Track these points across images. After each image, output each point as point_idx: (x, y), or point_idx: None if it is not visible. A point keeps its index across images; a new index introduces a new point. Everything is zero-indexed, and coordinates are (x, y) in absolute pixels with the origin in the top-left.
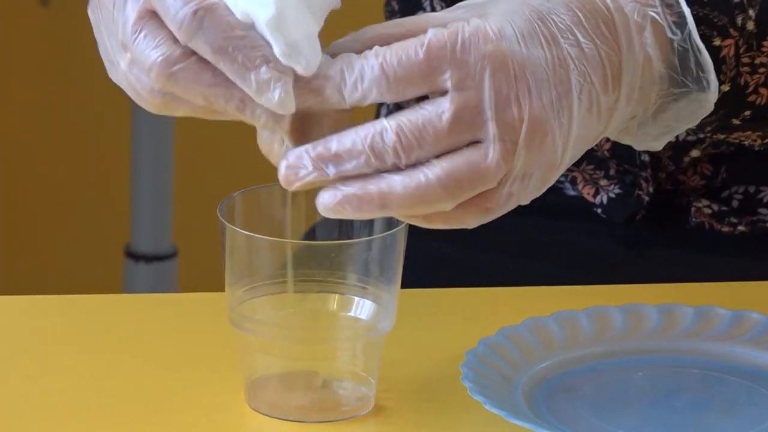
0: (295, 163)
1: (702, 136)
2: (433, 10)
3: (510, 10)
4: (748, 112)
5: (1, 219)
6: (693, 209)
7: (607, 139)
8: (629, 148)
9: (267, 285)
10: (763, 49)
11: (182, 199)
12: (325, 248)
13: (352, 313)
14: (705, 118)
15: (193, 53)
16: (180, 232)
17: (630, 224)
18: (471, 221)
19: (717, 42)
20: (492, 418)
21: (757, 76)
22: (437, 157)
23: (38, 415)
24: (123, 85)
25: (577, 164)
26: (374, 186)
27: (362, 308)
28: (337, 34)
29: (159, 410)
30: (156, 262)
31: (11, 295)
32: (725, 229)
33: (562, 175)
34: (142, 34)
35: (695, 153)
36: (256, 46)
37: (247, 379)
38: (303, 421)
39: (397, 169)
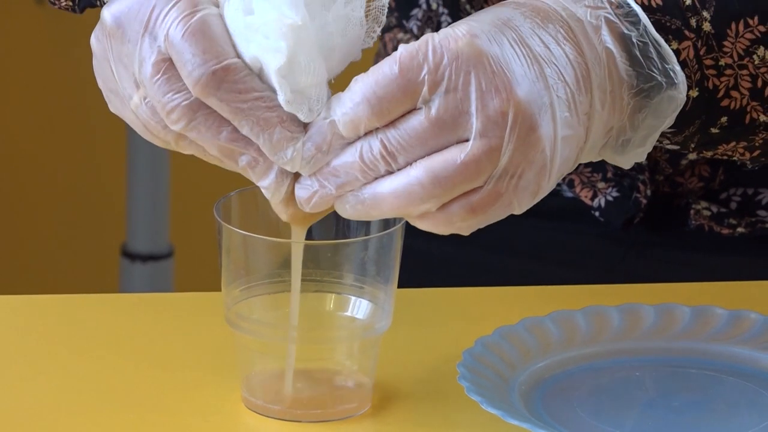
0: (303, 184)
1: (691, 154)
2: (429, 6)
3: (474, 19)
4: (724, 119)
5: None
6: (692, 211)
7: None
8: None
9: (263, 284)
10: (725, 50)
11: (178, 199)
12: (321, 248)
13: (348, 313)
14: (684, 129)
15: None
16: (176, 231)
17: (628, 228)
18: (458, 222)
19: (674, 45)
20: (488, 418)
21: (725, 78)
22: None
23: (34, 415)
24: (126, 117)
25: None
26: (367, 189)
27: (359, 308)
28: None
29: (154, 410)
30: (152, 261)
31: (7, 294)
32: (725, 231)
33: None
34: (165, 77)
35: (692, 156)
36: (272, 107)
37: (244, 379)
38: (299, 421)
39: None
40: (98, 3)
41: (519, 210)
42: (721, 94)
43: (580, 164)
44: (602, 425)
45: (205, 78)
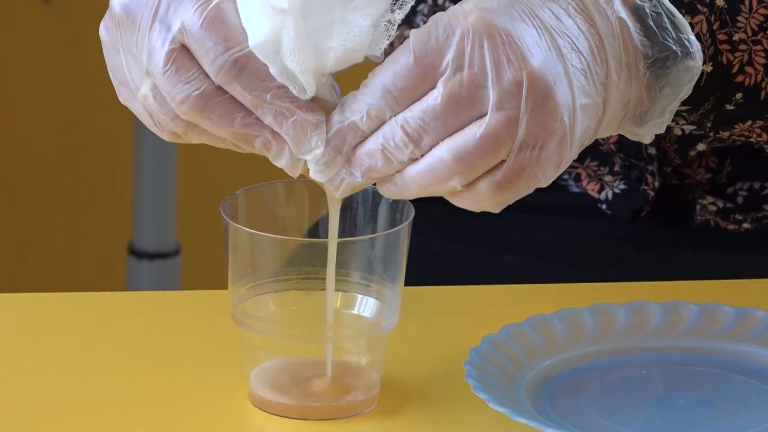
0: (333, 176)
1: (707, 134)
2: (435, 2)
3: None
4: (739, 95)
5: (3, 217)
6: (698, 206)
7: None
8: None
9: (270, 282)
10: (739, 25)
11: (185, 197)
12: (328, 246)
13: (355, 311)
14: (699, 106)
15: (224, 91)
16: (183, 229)
17: (635, 221)
18: (485, 200)
19: (687, 19)
20: (495, 416)
21: (739, 53)
22: None
23: (41, 412)
24: (135, 109)
25: (581, 160)
26: (398, 175)
27: (366, 306)
28: None
29: (161, 407)
30: (159, 259)
31: (14, 292)
32: (730, 226)
33: (565, 172)
34: (174, 67)
35: (701, 146)
36: (293, 97)
37: (250, 376)
38: (306, 419)
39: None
40: None
41: (545, 182)
42: (735, 69)
43: (587, 158)
44: (609, 423)
45: (228, 65)
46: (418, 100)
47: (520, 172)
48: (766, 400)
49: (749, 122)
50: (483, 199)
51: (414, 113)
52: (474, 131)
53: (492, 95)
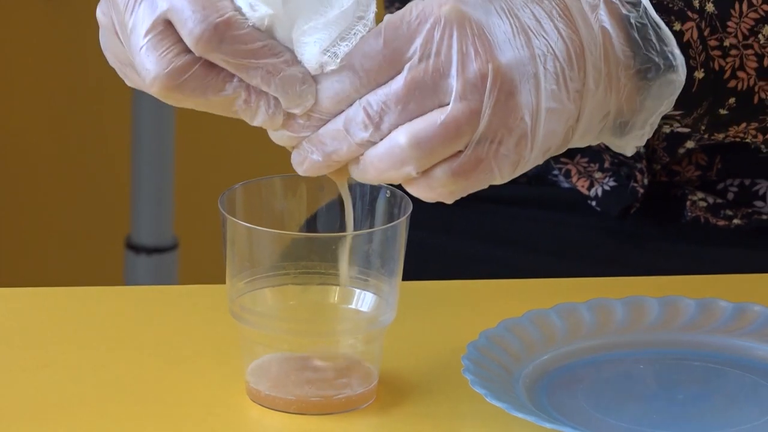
0: (298, 148)
1: (702, 136)
2: None
3: None
4: (732, 100)
5: (1, 211)
6: (688, 203)
7: None
8: None
9: (268, 277)
10: (729, 30)
11: (183, 191)
12: (326, 240)
13: (353, 306)
14: (692, 111)
15: (196, 62)
16: (181, 223)
17: (624, 217)
18: (439, 187)
19: (677, 26)
20: (493, 411)
21: (731, 59)
22: None
23: (38, 407)
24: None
25: (571, 157)
26: (362, 157)
27: (363, 300)
28: None
29: (159, 402)
30: (157, 254)
31: (12, 286)
32: (720, 222)
33: (555, 168)
34: (149, 44)
35: (690, 144)
36: (277, 53)
37: (248, 371)
38: (303, 413)
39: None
40: None
41: (500, 179)
42: (727, 75)
43: (577, 154)
44: (606, 417)
45: (207, 33)
46: (382, 80)
47: (476, 163)
48: (763, 395)
49: (744, 124)
50: (437, 186)
51: (377, 96)
52: (435, 118)
53: (456, 85)
